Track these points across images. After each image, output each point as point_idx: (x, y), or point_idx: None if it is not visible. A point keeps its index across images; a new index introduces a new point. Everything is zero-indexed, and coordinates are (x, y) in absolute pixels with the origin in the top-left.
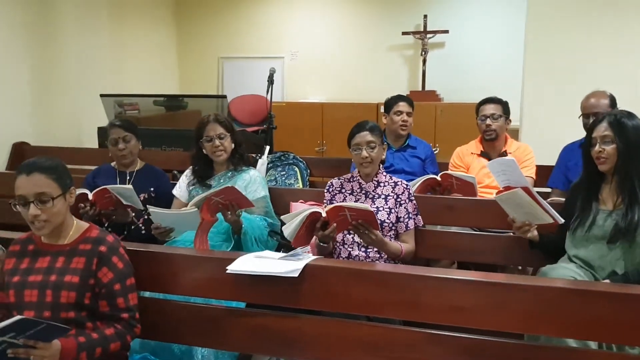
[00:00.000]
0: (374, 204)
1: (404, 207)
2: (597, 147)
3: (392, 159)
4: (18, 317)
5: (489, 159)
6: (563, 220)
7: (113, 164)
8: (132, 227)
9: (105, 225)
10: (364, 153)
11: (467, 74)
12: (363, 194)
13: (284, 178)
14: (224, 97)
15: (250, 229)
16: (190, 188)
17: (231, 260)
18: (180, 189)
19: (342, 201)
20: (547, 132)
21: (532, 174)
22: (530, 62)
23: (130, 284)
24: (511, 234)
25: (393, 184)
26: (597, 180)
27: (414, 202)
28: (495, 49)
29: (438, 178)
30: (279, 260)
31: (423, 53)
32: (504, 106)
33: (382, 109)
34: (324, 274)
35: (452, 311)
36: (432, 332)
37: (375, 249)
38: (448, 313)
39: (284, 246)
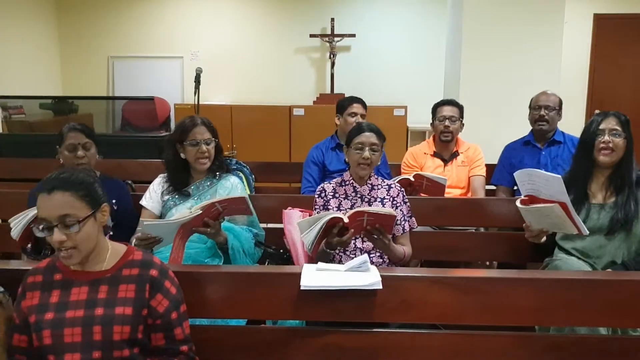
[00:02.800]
0: None
1: (400, 210)
2: (606, 137)
3: None
4: None
5: (442, 159)
6: (588, 232)
7: None
8: None
9: None
10: (366, 154)
11: (374, 78)
12: (359, 197)
13: None
14: (152, 99)
15: (238, 241)
16: (166, 198)
17: (291, 275)
18: (152, 199)
19: (338, 206)
20: (482, 132)
21: (483, 172)
22: (467, 66)
23: (184, 311)
24: (473, 230)
25: (387, 186)
26: (586, 175)
27: (408, 204)
28: (401, 53)
29: (411, 178)
30: (347, 272)
31: (331, 56)
32: (461, 110)
33: (295, 112)
34: (400, 284)
35: (537, 311)
36: (516, 333)
37: (378, 254)
38: (532, 313)
39: (269, 256)
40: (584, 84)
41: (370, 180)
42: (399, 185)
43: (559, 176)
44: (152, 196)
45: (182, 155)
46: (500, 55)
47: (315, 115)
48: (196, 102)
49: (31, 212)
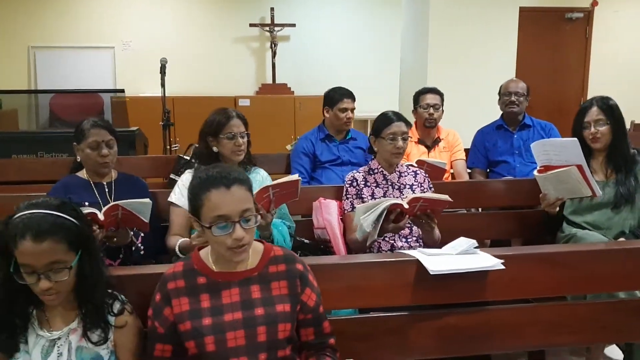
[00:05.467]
0: (402, 195)
1: None
2: (592, 129)
3: (338, 152)
4: None
5: (426, 146)
6: (601, 193)
7: (81, 174)
8: (133, 248)
9: None
10: (400, 143)
11: (316, 67)
12: (389, 185)
13: None
14: (122, 91)
15: (281, 236)
16: None
17: (406, 263)
18: (183, 196)
19: (371, 194)
20: (452, 117)
21: (463, 156)
22: (434, 56)
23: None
24: (464, 211)
25: (413, 173)
26: (586, 157)
27: (433, 189)
28: (343, 43)
29: (414, 164)
30: (464, 255)
31: (273, 46)
32: (442, 97)
33: (240, 103)
34: (507, 263)
35: (629, 278)
36: (611, 300)
37: (415, 239)
38: (625, 280)
39: (299, 247)
40: (512, 74)
41: (397, 167)
42: (423, 171)
43: (575, 139)
44: (185, 193)
45: (215, 149)
46: (464, 44)
47: (261, 106)
48: (162, 94)
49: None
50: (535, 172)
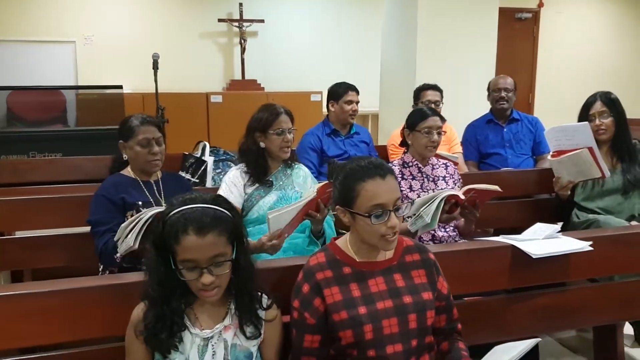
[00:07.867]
0: (437, 187)
1: (458, 186)
2: (596, 122)
3: (344, 146)
4: (535, 340)
5: None
6: (609, 174)
7: (127, 172)
8: None
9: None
10: (435, 137)
11: (285, 63)
12: (425, 177)
13: (220, 176)
14: (120, 87)
15: (330, 229)
16: (249, 190)
17: (499, 249)
18: (233, 193)
19: (409, 187)
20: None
21: (460, 149)
22: (422, 53)
23: None
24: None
25: (444, 165)
26: None
27: (461, 180)
28: (311, 38)
29: None
30: (548, 240)
31: (242, 42)
32: (442, 93)
33: (212, 99)
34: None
35: None
36: None
37: (452, 228)
38: None
39: None
40: (493, 70)
41: (430, 160)
42: (452, 163)
43: (586, 122)
44: (233, 190)
45: (262, 145)
46: (451, 41)
47: (234, 102)
48: (156, 91)
49: (146, 215)
50: (549, 157)
